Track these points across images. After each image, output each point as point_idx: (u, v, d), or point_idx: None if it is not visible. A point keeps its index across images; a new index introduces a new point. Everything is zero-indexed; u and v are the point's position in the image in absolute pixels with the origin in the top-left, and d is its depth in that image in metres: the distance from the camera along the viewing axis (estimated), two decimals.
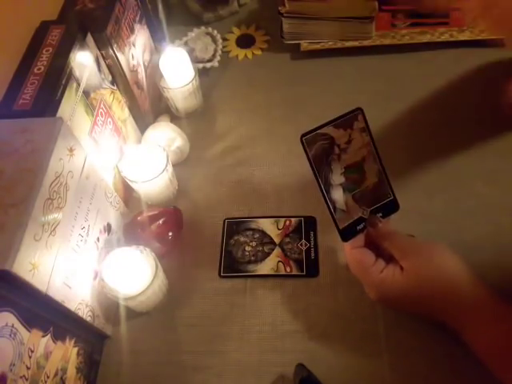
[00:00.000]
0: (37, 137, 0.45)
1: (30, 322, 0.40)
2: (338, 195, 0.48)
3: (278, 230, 0.62)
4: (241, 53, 0.84)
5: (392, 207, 0.50)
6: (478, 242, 0.57)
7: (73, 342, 0.48)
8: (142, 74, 0.70)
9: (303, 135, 0.46)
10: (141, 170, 0.61)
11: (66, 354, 0.47)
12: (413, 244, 0.49)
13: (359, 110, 0.47)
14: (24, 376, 0.39)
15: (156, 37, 0.78)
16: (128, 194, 0.67)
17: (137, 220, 0.61)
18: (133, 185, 0.62)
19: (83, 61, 0.54)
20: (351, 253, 0.50)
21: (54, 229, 0.43)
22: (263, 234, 0.62)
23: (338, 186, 0.48)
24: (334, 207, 0.48)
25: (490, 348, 0.43)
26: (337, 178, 0.47)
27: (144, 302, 0.54)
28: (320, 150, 0.46)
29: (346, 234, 0.49)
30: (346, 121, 0.47)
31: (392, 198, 0.50)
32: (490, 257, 0.55)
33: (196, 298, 0.58)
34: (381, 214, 0.49)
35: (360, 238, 0.50)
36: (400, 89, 0.74)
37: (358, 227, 0.49)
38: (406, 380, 0.50)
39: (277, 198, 0.65)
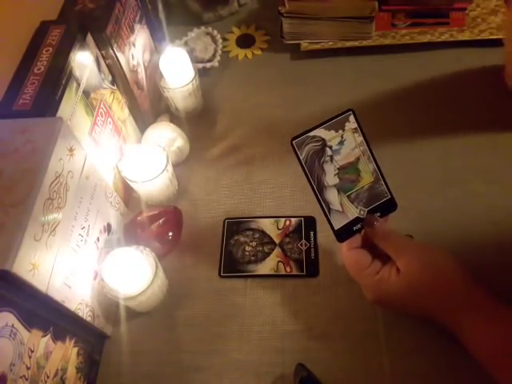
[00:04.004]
0: (37, 137, 0.45)
1: (30, 322, 0.40)
2: (332, 196, 0.48)
3: (278, 230, 0.62)
4: (241, 53, 0.84)
5: (390, 207, 0.50)
6: (478, 241, 0.57)
7: (73, 342, 0.48)
8: (141, 74, 0.70)
9: (293, 138, 0.46)
10: (141, 169, 0.61)
11: (66, 353, 0.47)
12: (409, 244, 0.48)
13: (350, 111, 0.47)
14: (24, 376, 0.39)
15: (156, 37, 0.78)
16: (128, 194, 0.67)
17: (137, 220, 0.61)
18: (133, 185, 0.62)
19: (83, 61, 0.55)
20: (347, 254, 0.49)
21: (54, 229, 0.43)
22: (263, 233, 0.62)
23: (332, 187, 0.48)
24: (329, 208, 0.48)
25: (487, 349, 0.43)
26: (330, 179, 0.47)
27: (144, 302, 0.54)
28: (311, 152, 0.47)
29: (342, 235, 0.49)
30: (336, 122, 0.47)
31: (389, 197, 0.50)
32: (489, 257, 0.55)
33: (196, 298, 0.58)
34: (379, 214, 0.49)
35: (356, 239, 0.49)
36: (400, 89, 0.74)
37: (355, 228, 0.49)
38: (406, 380, 0.50)
39: (277, 198, 0.65)
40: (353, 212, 0.49)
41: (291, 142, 0.46)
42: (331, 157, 0.47)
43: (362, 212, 0.49)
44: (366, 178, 0.49)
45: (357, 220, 0.49)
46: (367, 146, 0.48)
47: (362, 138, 0.48)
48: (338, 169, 0.48)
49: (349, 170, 0.48)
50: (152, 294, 0.54)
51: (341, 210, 0.48)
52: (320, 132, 0.47)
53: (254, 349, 0.54)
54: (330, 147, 0.47)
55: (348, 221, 0.49)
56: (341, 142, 0.47)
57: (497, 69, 0.71)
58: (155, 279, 0.52)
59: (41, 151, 0.44)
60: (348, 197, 0.48)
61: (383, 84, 0.75)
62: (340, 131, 0.47)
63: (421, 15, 0.77)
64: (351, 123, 0.47)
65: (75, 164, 0.48)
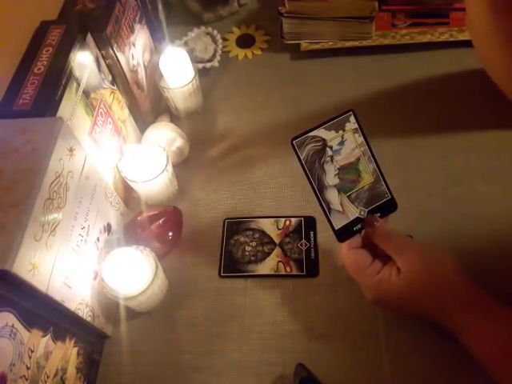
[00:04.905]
0: (37, 137, 0.45)
1: (30, 321, 0.40)
2: (332, 196, 0.48)
3: (278, 230, 0.62)
4: (241, 53, 0.84)
5: (390, 207, 0.50)
6: (478, 242, 0.57)
7: (73, 341, 0.48)
8: (141, 74, 0.70)
9: (293, 139, 0.46)
10: (141, 169, 0.61)
11: (66, 353, 0.47)
12: (410, 244, 0.48)
13: (351, 111, 0.48)
14: (24, 376, 0.39)
15: (156, 37, 0.78)
16: (128, 194, 0.67)
17: (137, 220, 0.61)
18: (133, 185, 0.62)
19: (83, 61, 0.55)
20: (347, 254, 0.49)
21: (54, 229, 0.43)
22: (263, 233, 0.62)
23: (333, 187, 0.48)
24: (329, 208, 0.48)
25: (487, 350, 0.43)
26: (331, 179, 0.48)
27: (144, 302, 0.54)
28: (312, 152, 0.47)
29: (342, 235, 0.49)
30: (337, 123, 0.47)
31: (389, 197, 0.50)
32: (490, 257, 0.55)
33: (196, 298, 0.58)
34: (379, 214, 0.49)
35: (357, 239, 0.49)
36: (400, 89, 0.74)
37: (355, 228, 0.49)
38: (406, 380, 0.50)
39: (277, 198, 0.65)
40: (353, 212, 0.49)
41: (291, 142, 0.46)
42: (331, 157, 0.47)
43: (362, 212, 0.49)
44: (367, 179, 0.49)
45: (357, 220, 0.49)
46: (368, 147, 0.48)
47: (362, 139, 0.48)
48: (339, 169, 0.48)
49: (349, 171, 0.48)
50: (152, 293, 0.54)
51: (341, 210, 0.48)
52: (320, 132, 0.47)
53: (254, 349, 0.54)
54: (331, 147, 0.47)
55: (348, 221, 0.49)
56: (341, 143, 0.47)
57: None
58: (155, 279, 0.52)
59: (41, 151, 0.44)
60: (348, 197, 0.48)
61: (383, 84, 0.75)
62: (340, 131, 0.47)
63: (421, 15, 0.77)
64: (352, 123, 0.48)
65: (75, 164, 0.48)
